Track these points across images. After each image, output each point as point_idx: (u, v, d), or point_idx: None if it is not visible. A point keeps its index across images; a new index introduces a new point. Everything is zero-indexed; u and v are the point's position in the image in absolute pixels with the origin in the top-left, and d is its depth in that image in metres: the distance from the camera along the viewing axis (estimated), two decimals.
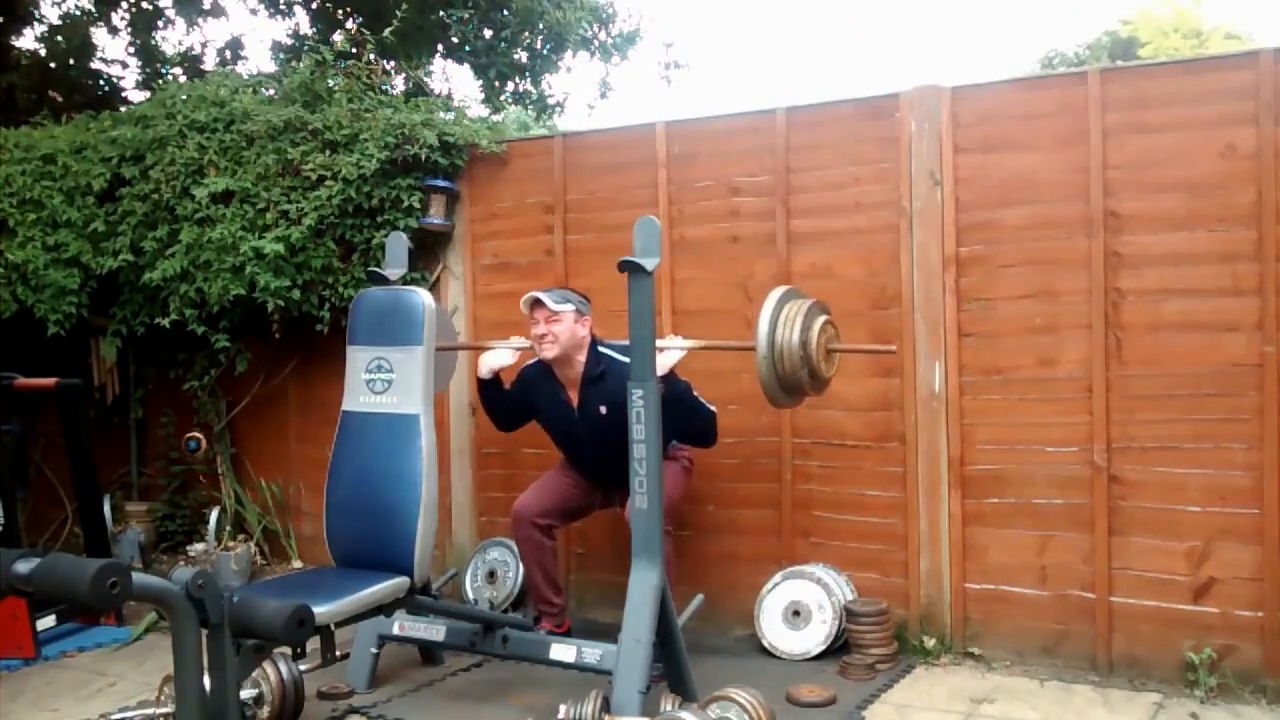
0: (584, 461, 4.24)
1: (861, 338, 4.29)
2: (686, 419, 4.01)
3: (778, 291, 3.71)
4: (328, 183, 4.90)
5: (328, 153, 4.97)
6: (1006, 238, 4.03)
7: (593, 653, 3.67)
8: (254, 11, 9.25)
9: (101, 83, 8.51)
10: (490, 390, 4.28)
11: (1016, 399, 4.04)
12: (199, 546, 5.46)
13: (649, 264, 3.55)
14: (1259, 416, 3.66)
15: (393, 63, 6.93)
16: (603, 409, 4.03)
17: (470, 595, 4.96)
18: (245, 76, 5.76)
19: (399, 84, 6.84)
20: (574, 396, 4.12)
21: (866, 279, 4.28)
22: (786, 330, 3.61)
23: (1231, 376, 3.70)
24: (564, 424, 4.19)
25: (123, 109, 6.11)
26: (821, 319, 3.71)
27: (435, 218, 5.07)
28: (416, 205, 5.00)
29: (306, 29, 8.97)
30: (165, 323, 5.17)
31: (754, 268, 4.49)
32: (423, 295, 3.75)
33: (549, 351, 4.02)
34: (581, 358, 4.08)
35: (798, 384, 3.71)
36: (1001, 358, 4.06)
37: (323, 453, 5.45)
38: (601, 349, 4.10)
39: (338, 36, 6.62)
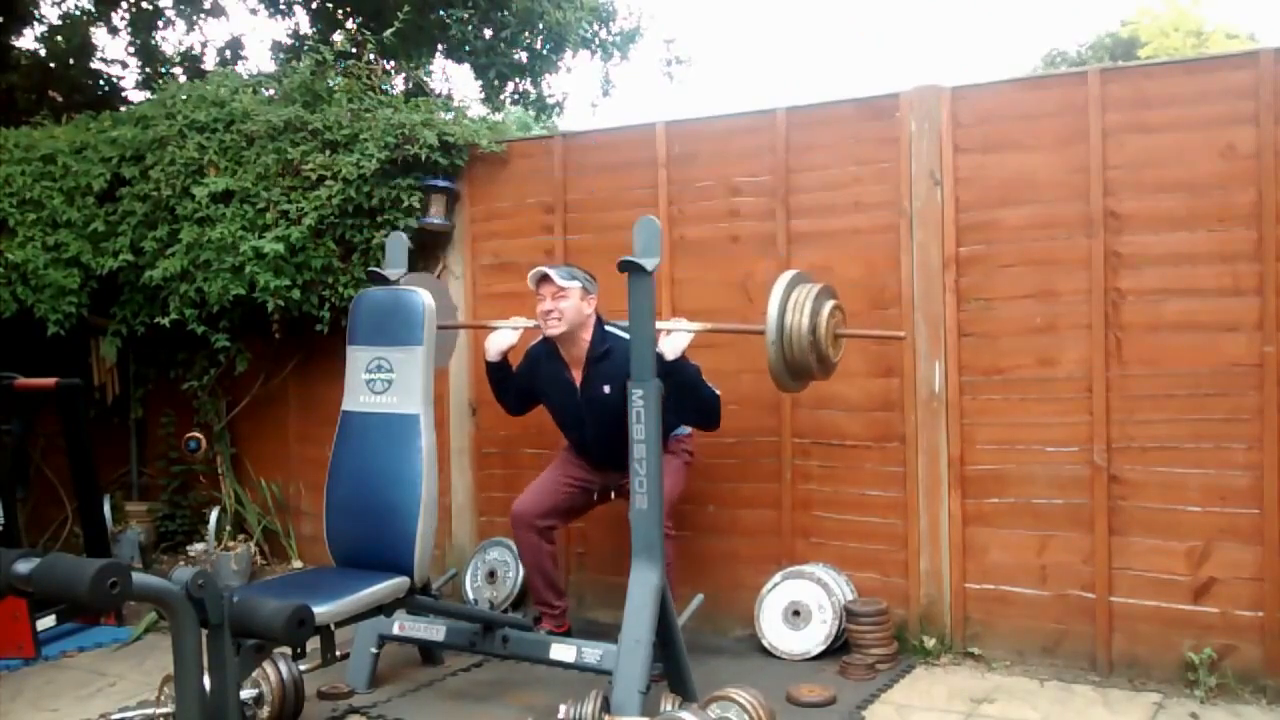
0: (585, 442, 4.20)
1: None
2: (694, 403, 3.95)
3: (787, 275, 3.70)
4: (328, 183, 4.90)
5: (328, 153, 4.96)
6: (1006, 238, 4.03)
7: (593, 653, 3.67)
8: (254, 11, 9.25)
9: (101, 83, 8.51)
10: (498, 373, 4.23)
11: (1017, 399, 4.04)
12: (199, 546, 5.46)
13: (649, 264, 3.55)
14: (1259, 416, 3.66)
15: (392, 63, 6.92)
16: (606, 388, 3.99)
17: (470, 595, 4.96)
18: (245, 76, 5.75)
19: (399, 84, 6.83)
20: (578, 375, 4.08)
21: (867, 279, 4.28)
22: (795, 314, 3.60)
23: (1231, 376, 3.70)
24: (567, 404, 4.15)
25: (123, 109, 6.11)
26: (830, 304, 3.70)
27: (435, 218, 5.07)
28: (416, 205, 5.00)
29: (307, 29, 8.96)
30: (165, 322, 5.17)
31: (754, 268, 4.48)
32: (422, 295, 3.75)
33: (554, 329, 3.98)
34: (586, 336, 4.04)
35: (805, 368, 3.69)
36: (1001, 358, 4.06)
37: (323, 452, 5.44)
38: (607, 328, 4.06)
39: (338, 36, 6.62)
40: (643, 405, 3.56)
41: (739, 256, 4.50)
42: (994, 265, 4.05)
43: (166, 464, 5.96)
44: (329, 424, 4.62)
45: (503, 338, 4.22)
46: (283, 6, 9.15)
